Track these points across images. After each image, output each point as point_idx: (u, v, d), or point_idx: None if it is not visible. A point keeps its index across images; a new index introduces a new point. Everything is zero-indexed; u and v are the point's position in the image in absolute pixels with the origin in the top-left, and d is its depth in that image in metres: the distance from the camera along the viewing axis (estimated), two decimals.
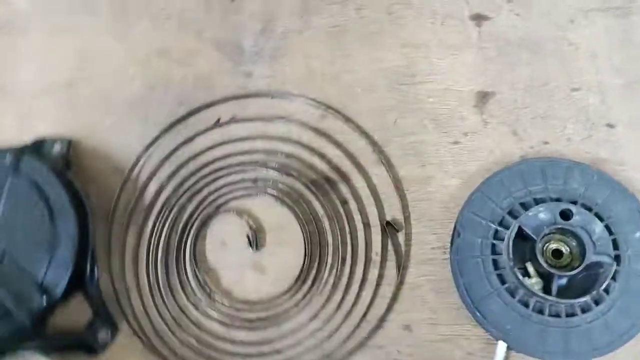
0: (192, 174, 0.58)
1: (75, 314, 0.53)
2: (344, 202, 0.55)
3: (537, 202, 0.49)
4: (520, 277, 0.46)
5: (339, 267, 0.53)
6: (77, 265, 0.52)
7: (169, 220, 0.56)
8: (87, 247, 0.54)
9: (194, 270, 0.55)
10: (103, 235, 0.56)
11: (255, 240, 0.55)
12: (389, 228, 0.53)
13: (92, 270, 0.54)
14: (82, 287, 0.54)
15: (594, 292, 0.45)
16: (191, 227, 0.56)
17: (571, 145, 0.54)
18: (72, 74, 0.63)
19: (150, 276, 0.55)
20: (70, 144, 0.59)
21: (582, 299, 0.45)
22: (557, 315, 0.47)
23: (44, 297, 0.51)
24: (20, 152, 0.56)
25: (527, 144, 0.54)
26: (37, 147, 0.59)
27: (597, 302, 0.46)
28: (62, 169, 0.57)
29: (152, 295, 0.54)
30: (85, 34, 0.64)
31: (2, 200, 0.53)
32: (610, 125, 0.54)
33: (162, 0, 0.64)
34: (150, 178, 0.58)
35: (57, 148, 0.59)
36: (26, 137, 0.60)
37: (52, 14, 0.65)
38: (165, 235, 0.56)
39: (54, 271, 0.52)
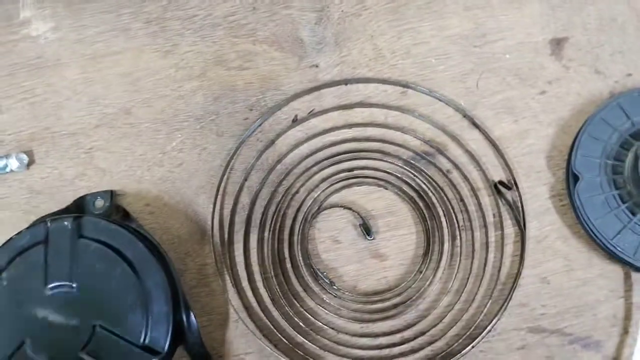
0: (284, 176, 0.56)
1: None
2: (447, 172, 0.54)
3: None
4: None
5: (460, 236, 0.53)
6: (174, 316, 0.48)
7: (272, 229, 0.54)
8: (178, 295, 0.49)
9: (313, 272, 0.53)
10: (208, 262, 0.53)
11: (370, 228, 0.54)
12: (500, 187, 0.53)
13: (188, 318, 0.49)
14: (182, 338, 0.49)
15: None
16: (298, 231, 0.54)
17: None
18: (125, 100, 0.59)
19: (270, 290, 0.53)
20: (112, 194, 0.55)
21: None
22: None
23: (152, 358, 0.46)
24: (76, 215, 0.50)
25: (611, 80, 0.55)
26: (79, 207, 0.54)
27: None
28: (124, 220, 0.53)
29: (277, 309, 0.52)
30: (126, 57, 0.60)
31: (78, 270, 0.47)
32: None
33: (201, 12, 0.61)
34: (240, 190, 0.55)
35: (99, 203, 0.54)
36: (89, 182, 0.56)
37: (83, 42, 0.61)
38: (273, 245, 0.54)
39: (154, 329, 0.47)
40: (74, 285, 0.47)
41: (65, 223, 0.49)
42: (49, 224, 0.49)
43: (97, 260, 0.48)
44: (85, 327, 0.46)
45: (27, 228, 0.51)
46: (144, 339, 0.46)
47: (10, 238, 0.49)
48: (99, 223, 0.49)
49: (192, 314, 0.50)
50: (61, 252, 0.48)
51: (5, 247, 0.49)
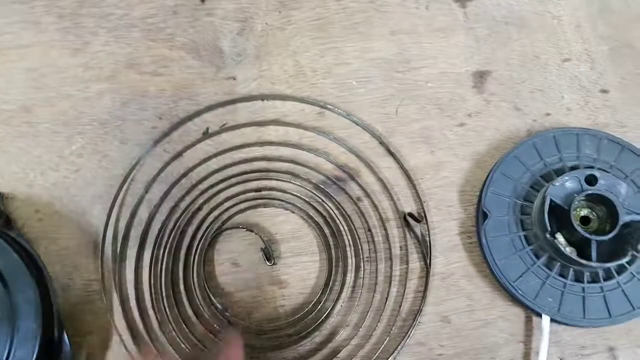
0: (187, 192, 0.52)
1: None
2: (357, 200, 0.52)
3: (557, 172, 0.50)
4: (562, 246, 0.45)
5: (364, 267, 0.51)
6: (44, 335, 0.44)
7: (169, 247, 0.51)
8: (52, 312, 0.46)
9: (207, 297, 0.50)
10: (94, 278, 0.49)
11: (271, 253, 0.51)
12: (409, 220, 0.52)
13: (60, 338, 0.46)
14: (52, 359, 0.45)
15: (630, 252, 0.45)
16: (196, 250, 0.50)
17: (571, 114, 0.55)
18: (26, 97, 0.55)
19: (159, 312, 0.49)
20: (1, 197, 0.51)
21: (621, 260, 0.45)
22: (595, 281, 0.47)
23: None
24: None
25: (530, 118, 0.54)
26: None
27: (629, 262, 0.47)
28: (4, 226, 0.49)
29: (164, 333, 0.49)
30: (34, 51, 0.57)
31: None
32: (604, 91, 0.55)
33: (118, 10, 0.58)
34: (139, 203, 0.52)
35: None
36: None
37: None
38: (167, 264, 0.50)
39: (20, 346, 0.43)
40: None
41: None
42: None
43: None
44: None
45: None
46: (7, 356, 0.43)
47: None
48: None
49: (65, 334, 0.46)
50: None
51: None
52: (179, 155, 0.53)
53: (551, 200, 0.47)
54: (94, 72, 0.56)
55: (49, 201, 0.52)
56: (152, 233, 0.51)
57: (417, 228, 0.51)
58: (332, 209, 0.52)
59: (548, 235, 0.47)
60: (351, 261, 0.51)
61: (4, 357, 0.42)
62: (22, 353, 0.43)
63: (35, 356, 0.43)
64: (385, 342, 0.48)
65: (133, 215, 0.52)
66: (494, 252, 0.49)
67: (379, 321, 0.49)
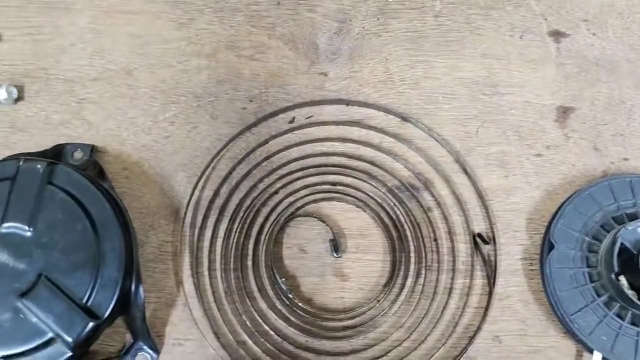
0: (267, 174, 0.55)
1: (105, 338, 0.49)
2: (428, 210, 0.54)
3: (629, 217, 0.51)
4: (625, 288, 0.46)
5: (425, 275, 0.53)
6: (123, 285, 0.47)
7: (243, 223, 0.53)
8: (133, 265, 0.48)
9: (272, 276, 0.52)
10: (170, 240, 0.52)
11: (339, 246, 0.53)
12: (478, 240, 0.53)
13: (136, 290, 0.48)
14: (126, 310, 0.48)
15: None
16: (268, 231, 0.53)
17: None
18: (129, 60, 0.58)
19: (226, 282, 0.52)
20: (93, 150, 0.53)
21: None
22: None
23: (90, 321, 0.44)
24: (51, 161, 0.49)
25: (608, 160, 0.56)
26: (57, 154, 0.53)
27: None
28: (98, 178, 0.52)
29: (228, 302, 0.51)
30: (141, 19, 0.60)
31: (39, 215, 0.46)
32: None
33: None
34: (225, 179, 0.54)
35: (78, 155, 0.53)
36: (72, 132, 0.55)
37: None
38: (239, 238, 0.53)
39: (100, 292, 0.45)
40: (30, 229, 0.46)
41: (38, 166, 0.48)
42: (21, 162, 0.48)
43: (60, 211, 0.47)
44: (30, 274, 0.45)
45: None
46: (87, 300, 0.45)
47: None
48: (72, 174, 0.48)
49: (141, 287, 0.49)
50: (26, 193, 0.47)
51: None
52: (265, 142, 0.56)
53: (621, 243, 0.48)
54: (196, 47, 0.59)
55: (137, 161, 0.55)
56: (229, 207, 0.54)
57: (484, 248, 0.53)
58: (402, 214, 0.54)
59: (613, 276, 0.48)
60: (413, 267, 0.53)
61: (85, 300, 0.45)
62: (102, 298, 0.46)
63: (113, 303, 0.46)
64: (440, 350, 0.50)
65: (217, 189, 0.54)
66: (555, 283, 0.50)
67: (433, 329, 0.51)
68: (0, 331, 0.43)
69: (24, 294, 0.44)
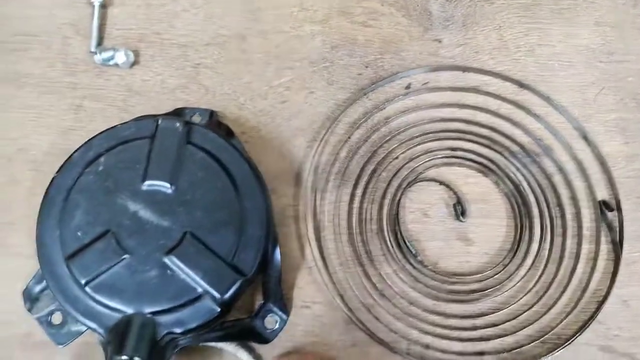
0: (387, 140, 0.55)
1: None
2: (550, 176, 0.54)
3: None
4: None
5: (551, 240, 0.52)
6: (265, 243, 0.46)
7: (365, 188, 0.53)
8: (270, 225, 0.47)
9: (398, 239, 0.52)
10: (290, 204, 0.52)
11: (465, 210, 0.53)
12: (602, 206, 0.53)
13: (273, 251, 0.48)
14: (263, 270, 0.47)
15: None
16: (391, 196, 0.53)
17: None
18: (242, 26, 0.58)
19: (351, 246, 0.51)
20: (212, 115, 0.53)
21: None
22: None
23: (238, 278, 0.44)
24: (187, 121, 0.48)
25: None
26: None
27: None
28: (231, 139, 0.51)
29: (353, 265, 0.51)
30: None
31: (179, 174, 0.46)
32: None
33: None
34: (344, 144, 0.54)
35: (196, 119, 0.52)
36: (189, 96, 0.55)
37: None
38: (362, 203, 0.52)
39: (244, 250, 0.45)
40: (172, 187, 0.46)
41: (177, 124, 0.47)
42: (160, 121, 0.47)
43: (201, 169, 0.46)
44: (175, 231, 0.44)
45: (135, 120, 0.49)
46: (233, 258, 0.45)
47: (115, 126, 0.48)
48: (208, 134, 0.48)
49: (278, 248, 0.49)
50: (167, 151, 0.46)
51: (108, 133, 0.47)
52: (382, 108, 0.55)
53: None
54: (308, 13, 0.59)
55: (254, 125, 0.55)
56: (349, 173, 0.54)
57: (609, 214, 0.53)
58: (525, 179, 0.54)
59: None
60: (538, 232, 0.53)
61: (231, 257, 0.45)
62: (246, 256, 0.45)
63: (257, 262, 0.45)
64: (571, 314, 0.49)
65: (336, 154, 0.54)
66: None
67: (562, 293, 0.50)
68: (149, 287, 0.43)
69: (170, 251, 0.44)
